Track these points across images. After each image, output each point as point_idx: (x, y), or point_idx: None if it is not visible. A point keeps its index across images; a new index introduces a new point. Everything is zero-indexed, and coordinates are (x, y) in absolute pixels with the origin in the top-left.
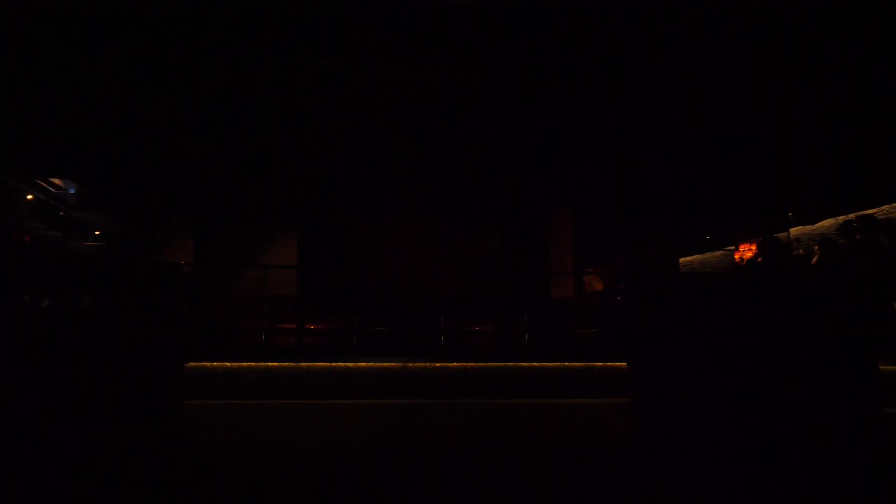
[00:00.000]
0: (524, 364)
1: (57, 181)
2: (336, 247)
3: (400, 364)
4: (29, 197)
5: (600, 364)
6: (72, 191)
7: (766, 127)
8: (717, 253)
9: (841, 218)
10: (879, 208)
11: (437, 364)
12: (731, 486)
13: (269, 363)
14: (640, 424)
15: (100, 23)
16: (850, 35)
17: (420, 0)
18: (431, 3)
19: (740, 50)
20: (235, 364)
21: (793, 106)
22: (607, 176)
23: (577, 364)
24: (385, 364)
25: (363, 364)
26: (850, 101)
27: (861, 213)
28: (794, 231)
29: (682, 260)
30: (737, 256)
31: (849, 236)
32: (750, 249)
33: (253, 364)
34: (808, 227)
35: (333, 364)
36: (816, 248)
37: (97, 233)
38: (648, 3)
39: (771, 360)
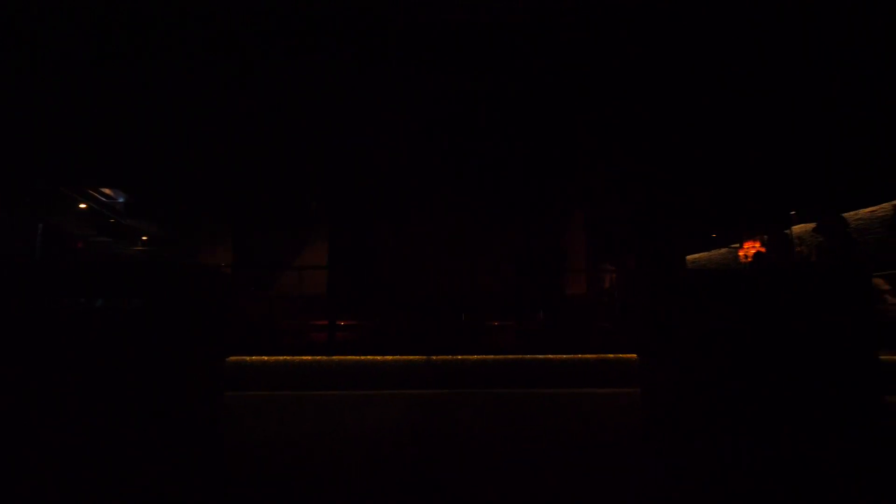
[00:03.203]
0: (540, 356)
1: (107, 191)
2: (364, 249)
3: (424, 357)
4: (82, 206)
5: (612, 356)
6: (121, 200)
7: (768, 130)
8: (723, 250)
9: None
10: (881, 206)
11: (459, 357)
12: (740, 473)
13: (303, 357)
14: (650, 413)
15: (148, 44)
16: (847, 37)
17: (441, 18)
18: (454, 20)
19: (740, 56)
20: (272, 358)
21: (793, 111)
22: (618, 180)
23: (590, 356)
24: (410, 357)
25: (390, 357)
26: (846, 108)
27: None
28: (797, 229)
29: (689, 257)
30: (741, 254)
31: (826, 234)
32: (753, 247)
33: (288, 358)
34: (810, 225)
35: (362, 358)
36: (815, 245)
37: (144, 238)
38: (650, 11)
39: (774, 351)
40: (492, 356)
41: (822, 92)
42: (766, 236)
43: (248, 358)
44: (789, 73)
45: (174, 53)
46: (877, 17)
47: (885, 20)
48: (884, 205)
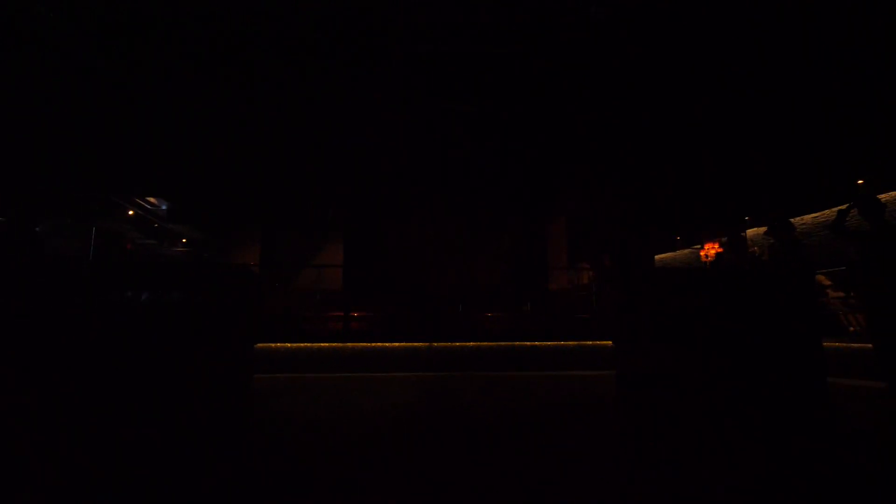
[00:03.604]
0: (528, 343)
1: (152, 199)
2: (374, 250)
3: (426, 344)
4: (130, 212)
5: (590, 342)
6: (164, 207)
7: (725, 148)
8: (686, 251)
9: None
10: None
11: (457, 343)
12: (700, 439)
13: (322, 344)
14: (623, 391)
15: (191, 75)
16: (805, 46)
17: (438, 48)
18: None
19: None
20: (295, 345)
21: (747, 133)
22: (595, 191)
23: (571, 342)
24: (414, 344)
25: (397, 344)
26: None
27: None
28: (750, 232)
29: (657, 257)
30: (702, 254)
31: (776, 237)
32: (713, 247)
33: (309, 345)
34: (762, 229)
35: (373, 344)
36: (766, 246)
37: (184, 240)
38: (619, 38)
39: (732, 337)
40: (485, 343)
41: (773, 115)
42: (724, 238)
43: (273, 345)
44: (741, 99)
45: (215, 84)
46: (819, 39)
47: (827, 41)
48: (825, 211)
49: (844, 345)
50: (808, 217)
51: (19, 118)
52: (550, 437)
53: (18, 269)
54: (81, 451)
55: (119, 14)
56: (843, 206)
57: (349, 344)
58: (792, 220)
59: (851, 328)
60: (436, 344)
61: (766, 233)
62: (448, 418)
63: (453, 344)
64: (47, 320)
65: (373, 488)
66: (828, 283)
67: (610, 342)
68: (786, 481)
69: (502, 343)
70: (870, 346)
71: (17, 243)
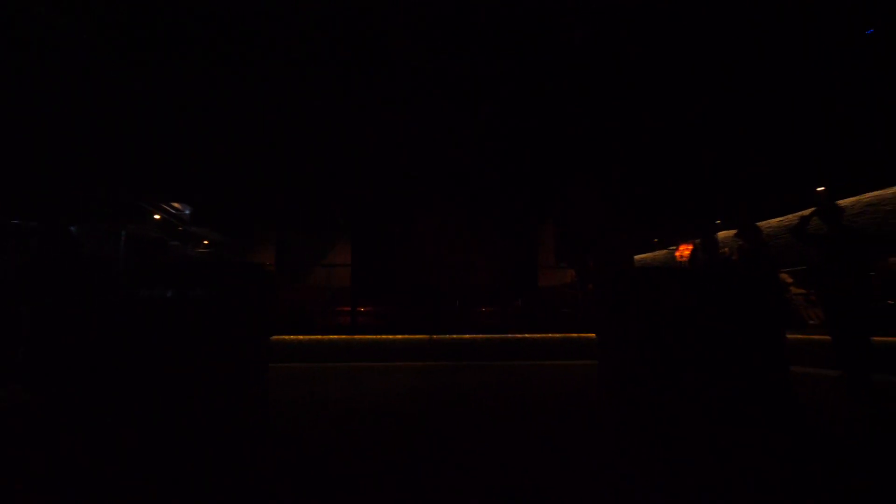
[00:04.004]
0: (518, 335)
1: (176, 204)
2: (380, 250)
3: (427, 336)
4: (156, 216)
5: (575, 335)
6: (187, 211)
7: (697, 159)
8: (663, 252)
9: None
10: (786, 216)
11: (455, 336)
12: (675, 425)
13: (332, 336)
14: (605, 380)
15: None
16: (764, 61)
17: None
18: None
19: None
20: (307, 337)
21: (716, 146)
22: (579, 198)
23: (557, 335)
24: (416, 336)
25: (400, 336)
26: (756, 144)
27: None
28: (721, 234)
29: (636, 257)
30: (677, 254)
31: (744, 239)
32: (687, 248)
33: (320, 337)
34: (732, 232)
35: (378, 336)
36: (736, 247)
37: (206, 242)
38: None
39: (704, 329)
40: (480, 335)
41: (741, 130)
42: (697, 240)
43: (287, 337)
44: (711, 117)
45: (236, 104)
46: (785, 50)
47: (793, 52)
48: (788, 216)
49: (805, 336)
50: (773, 221)
51: (60, 134)
52: (536, 415)
53: (56, 268)
54: (124, 428)
55: (151, 31)
56: (805, 213)
57: (356, 336)
58: (759, 223)
59: (811, 322)
60: (435, 336)
61: (735, 235)
62: (446, 401)
63: (451, 336)
64: (87, 315)
65: (378, 457)
66: (790, 280)
67: (592, 335)
68: (754, 460)
69: (495, 335)
70: (828, 338)
71: (54, 244)
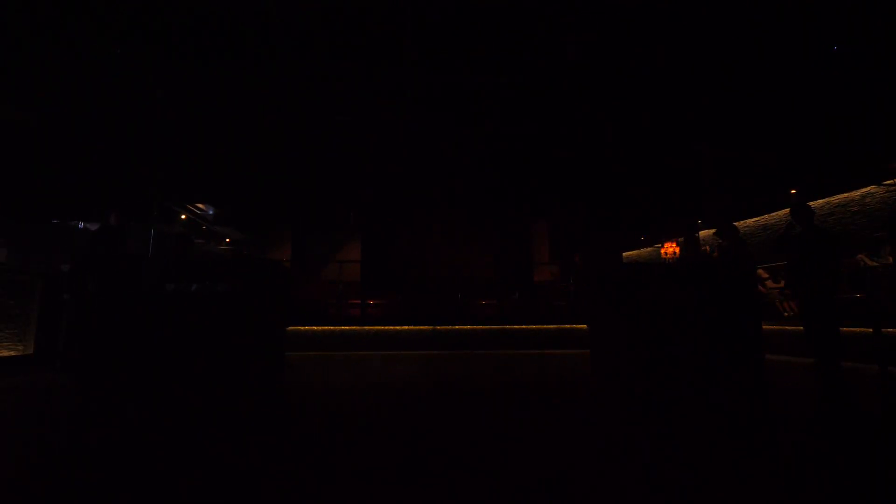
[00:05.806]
0: (515, 326)
1: (200, 205)
2: (387, 247)
3: (430, 327)
4: (183, 216)
5: (568, 326)
6: (210, 212)
7: (679, 163)
8: (649, 249)
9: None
10: (762, 216)
11: (456, 327)
12: (661, 409)
13: (343, 327)
14: (597, 367)
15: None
16: (739, 67)
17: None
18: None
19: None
20: (320, 328)
21: (698, 150)
22: (571, 198)
23: (551, 326)
24: (420, 327)
25: (406, 327)
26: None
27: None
28: (703, 233)
29: (624, 254)
30: (661, 251)
31: (723, 237)
32: (672, 246)
33: (332, 327)
34: (712, 231)
35: (386, 327)
36: (716, 245)
37: (227, 240)
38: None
39: (687, 320)
40: (480, 326)
41: (721, 134)
42: (680, 238)
43: (302, 327)
44: (694, 122)
45: (255, 113)
46: (761, 57)
47: (768, 60)
48: (763, 216)
49: (779, 327)
50: (750, 221)
51: (107, 146)
52: (529, 396)
53: (100, 264)
54: (150, 409)
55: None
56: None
57: (366, 327)
58: (736, 223)
59: (786, 314)
60: (438, 327)
61: (715, 234)
62: (447, 385)
63: (453, 327)
64: (122, 305)
65: (384, 432)
66: (766, 275)
67: (585, 326)
68: (732, 445)
69: (494, 326)
70: (801, 328)
71: (102, 243)
